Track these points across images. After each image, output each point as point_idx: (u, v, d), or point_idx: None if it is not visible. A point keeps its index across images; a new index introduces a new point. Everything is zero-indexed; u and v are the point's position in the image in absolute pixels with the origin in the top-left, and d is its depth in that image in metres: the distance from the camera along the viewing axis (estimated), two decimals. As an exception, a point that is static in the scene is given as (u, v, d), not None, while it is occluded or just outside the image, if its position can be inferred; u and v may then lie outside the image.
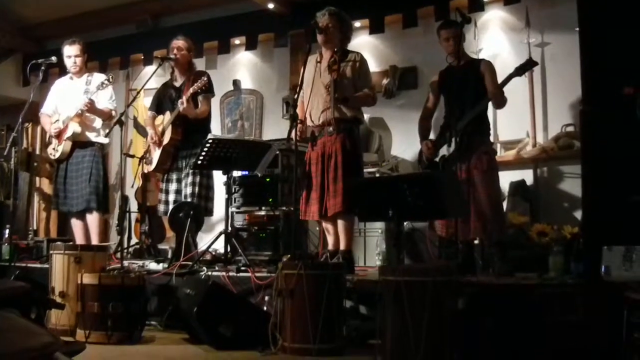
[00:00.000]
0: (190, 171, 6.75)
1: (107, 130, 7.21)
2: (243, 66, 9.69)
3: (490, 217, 5.64)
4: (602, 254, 4.08)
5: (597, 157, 4.41)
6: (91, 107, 6.96)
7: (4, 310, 2.00)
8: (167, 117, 6.91)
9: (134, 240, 8.49)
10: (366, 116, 6.87)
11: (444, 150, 6.00)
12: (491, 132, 6.17)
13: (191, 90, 6.64)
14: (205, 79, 6.69)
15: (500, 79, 5.86)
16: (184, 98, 6.64)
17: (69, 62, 7.27)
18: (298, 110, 5.97)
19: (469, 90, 5.82)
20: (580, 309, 4.09)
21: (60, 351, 1.90)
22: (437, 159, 6.08)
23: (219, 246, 6.56)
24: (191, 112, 6.73)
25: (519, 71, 5.77)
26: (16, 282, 2.53)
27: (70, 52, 7.23)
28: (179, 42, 7.06)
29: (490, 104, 5.95)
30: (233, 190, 6.89)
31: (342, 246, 5.89)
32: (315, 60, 6.08)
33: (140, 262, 6.82)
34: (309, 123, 6.04)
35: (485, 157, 5.77)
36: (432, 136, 6.32)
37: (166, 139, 6.84)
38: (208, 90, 6.85)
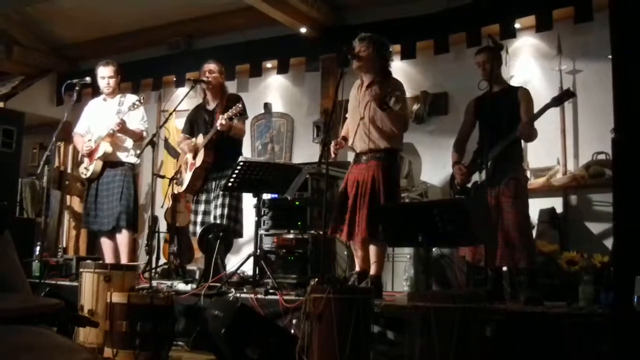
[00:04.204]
0: (220, 193, 6.81)
1: (138, 151, 7.28)
2: (274, 89, 9.74)
3: (518, 244, 5.60)
4: (635, 283, 4.04)
5: (630, 186, 4.38)
6: (122, 128, 7.02)
7: (41, 327, 2.02)
8: (200, 139, 6.98)
9: (162, 260, 8.52)
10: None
11: (476, 177, 5.98)
12: (523, 157, 6.12)
13: (226, 115, 6.68)
14: (240, 105, 6.77)
15: (534, 108, 5.85)
16: (225, 116, 6.70)
17: (102, 83, 7.35)
18: (343, 129, 6.30)
19: (503, 117, 5.81)
20: (611, 339, 4.05)
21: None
22: (469, 185, 6.06)
23: (247, 268, 6.58)
24: (229, 126, 6.80)
25: (556, 102, 5.74)
26: (51, 299, 2.56)
27: (104, 74, 7.31)
28: (210, 66, 7.14)
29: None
30: (262, 213, 6.90)
31: (372, 271, 5.90)
32: (358, 87, 6.16)
33: (168, 283, 6.85)
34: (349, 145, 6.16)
35: (513, 183, 5.74)
36: (464, 161, 6.29)
37: (198, 162, 6.91)
38: (243, 114, 6.91)
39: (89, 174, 7.25)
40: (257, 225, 6.48)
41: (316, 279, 5.27)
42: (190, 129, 7.27)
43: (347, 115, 6.34)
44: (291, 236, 7.30)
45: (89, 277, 5.49)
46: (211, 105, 7.18)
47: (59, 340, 1.93)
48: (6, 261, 2.54)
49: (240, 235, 7.12)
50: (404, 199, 7.19)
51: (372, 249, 5.87)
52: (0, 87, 10.87)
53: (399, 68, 8.55)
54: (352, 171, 6.09)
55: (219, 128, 6.73)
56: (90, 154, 7.22)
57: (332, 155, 6.15)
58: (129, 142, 7.30)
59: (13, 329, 1.90)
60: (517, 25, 7.58)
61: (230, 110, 6.72)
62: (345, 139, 6.22)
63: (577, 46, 7.38)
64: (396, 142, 6.02)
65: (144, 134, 7.27)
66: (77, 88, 7.19)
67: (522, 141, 6.03)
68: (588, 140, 7.18)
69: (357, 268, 6.06)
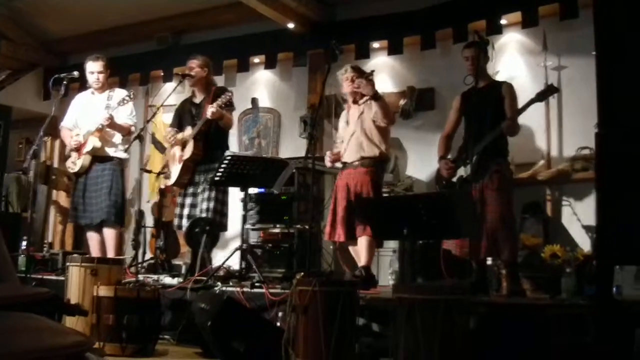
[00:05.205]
0: (207, 186, 6.81)
1: (126, 146, 7.27)
2: (262, 84, 9.74)
3: (501, 237, 5.65)
4: (614, 273, 4.09)
5: (612, 180, 4.43)
6: (111, 123, 7.02)
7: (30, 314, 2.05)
8: (188, 132, 6.99)
9: (149, 255, 8.54)
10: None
11: (461, 171, 6.02)
12: (509, 151, 6.16)
13: (215, 104, 6.69)
14: (230, 94, 6.77)
15: (518, 103, 5.91)
16: (215, 104, 6.70)
17: (91, 78, 7.33)
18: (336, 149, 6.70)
19: (488, 112, 5.87)
20: (592, 330, 4.10)
21: (91, 351, 1.94)
22: (454, 180, 6.11)
23: (233, 262, 6.61)
24: (220, 114, 6.79)
25: (540, 97, 5.80)
26: (41, 288, 2.58)
27: (94, 69, 7.30)
28: (191, 63, 7.16)
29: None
30: (249, 207, 6.93)
31: (362, 262, 6.14)
32: (346, 111, 6.66)
33: (154, 277, 6.87)
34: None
35: (497, 176, 5.77)
36: (450, 156, 6.33)
37: (187, 154, 6.91)
38: (230, 104, 6.93)
39: (76, 168, 7.24)
40: (244, 219, 6.52)
41: (302, 273, 5.31)
42: (179, 123, 7.28)
43: (337, 141, 6.77)
44: (277, 230, 7.36)
45: (76, 271, 5.50)
46: (198, 99, 7.19)
47: (50, 323, 1.96)
48: (-4, 252, 2.56)
49: (225, 229, 7.12)
50: (390, 194, 7.24)
51: (364, 239, 6.05)
52: (-13, 81, 10.84)
53: (386, 63, 8.61)
54: (341, 177, 6.42)
55: (209, 116, 6.72)
56: (79, 149, 7.22)
57: (328, 165, 6.63)
58: (117, 137, 7.29)
59: (4, 315, 1.92)
60: (503, 22, 7.61)
61: (219, 99, 6.73)
62: (337, 156, 6.58)
63: (563, 42, 7.43)
64: (386, 146, 6.38)
65: (132, 128, 7.27)
66: (64, 82, 7.15)
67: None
68: (572, 135, 7.23)
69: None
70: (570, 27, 7.20)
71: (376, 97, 6.19)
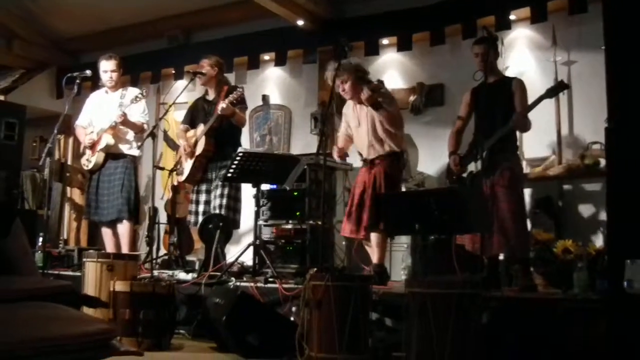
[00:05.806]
0: (220, 183, 6.87)
1: (139, 143, 7.35)
2: (272, 82, 9.79)
3: (512, 233, 5.66)
4: (625, 267, 4.11)
5: (622, 175, 4.45)
6: (124, 120, 7.10)
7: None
8: (200, 128, 7.05)
9: (163, 251, 8.60)
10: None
11: (472, 166, 6.05)
12: (518, 147, 6.17)
13: (227, 100, 6.75)
14: (241, 90, 6.83)
15: (528, 99, 5.92)
16: (226, 100, 6.77)
17: (105, 77, 7.42)
18: (339, 143, 6.65)
19: (498, 108, 5.87)
20: (604, 324, 4.13)
21: (115, 340, 2.01)
22: (465, 175, 6.14)
23: (246, 258, 6.66)
24: (231, 110, 6.85)
25: (550, 93, 5.79)
26: (62, 281, 2.65)
27: (107, 67, 7.39)
28: (203, 61, 7.24)
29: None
30: (261, 203, 6.98)
31: (374, 260, 6.19)
32: (352, 107, 6.54)
33: (169, 272, 6.93)
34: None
35: (507, 173, 5.78)
36: (460, 151, 6.35)
37: (199, 150, 6.98)
38: (243, 102, 6.99)
39: (90, 165, 7.34)
40: (256, 215, 6.57)
41: (315, 268, 5.35)
42: (191, 120, 7.36)
43: (342, 130, 6.69)
44: (290, 226, 7.40)
45: (92, 267, 5.56)
46: (210, 96, 7.28)
47: (77, 313, 2.03)
48: (19, 247, 2.63)
49: (238, 226, 7.18)
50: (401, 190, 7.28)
51: (374, 237, 6.10)
52: (1, 80, 10.90)
53: (395, 59, 8.63)
54: (360, 173, 6.45)
55: (220, 112, 6.79)
56: (93, 146, 7.30)
57: (338, 160, 6.69)
58: (130, 135, 7.38)
59: (37, 305, 1.99)
60: (512, 17, 7.61)
61: (230, 95, 6.79)
62: (342, 150, 6.57)
63: (572, 37, 7.42)
64: (397, 144, 6.32)
65: (145, 126, 7.35)
66: (77, 81, 7.22)
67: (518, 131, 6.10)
68: (583, 130, 7.24)
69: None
70: (579, 22, 7.20)
71: (375, 107, 6.10)
